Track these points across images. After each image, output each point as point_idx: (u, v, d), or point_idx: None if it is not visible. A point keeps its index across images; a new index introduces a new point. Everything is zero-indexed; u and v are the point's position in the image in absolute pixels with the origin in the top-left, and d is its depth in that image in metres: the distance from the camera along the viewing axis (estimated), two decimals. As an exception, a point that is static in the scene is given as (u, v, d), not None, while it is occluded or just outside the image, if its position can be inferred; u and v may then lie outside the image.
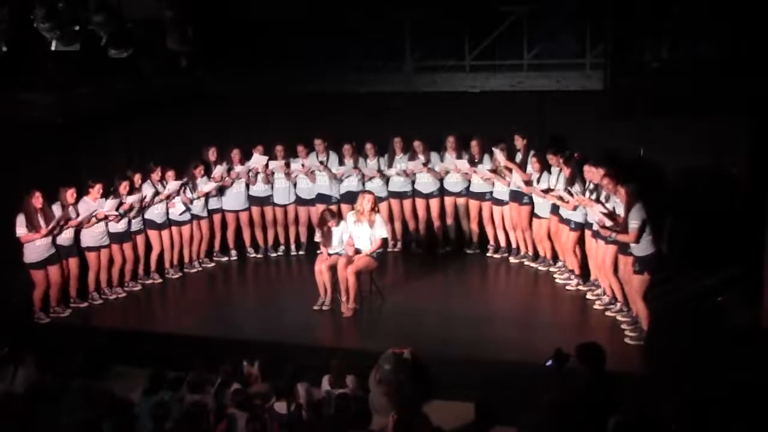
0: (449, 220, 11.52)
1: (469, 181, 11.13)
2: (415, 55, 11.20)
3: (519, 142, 10.66)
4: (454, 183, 11.22)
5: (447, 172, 11.17)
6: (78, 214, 9.68)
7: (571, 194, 9.43)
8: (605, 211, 8.66)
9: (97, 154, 11.34)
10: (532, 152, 10.46)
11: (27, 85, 9.69)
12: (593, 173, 9.10)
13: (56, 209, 9.46)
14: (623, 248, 8.51)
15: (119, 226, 10.10)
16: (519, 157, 10.61)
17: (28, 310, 9.51)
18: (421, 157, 11.09)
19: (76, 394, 6.90)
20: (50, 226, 9.29)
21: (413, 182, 11.37)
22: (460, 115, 11.36)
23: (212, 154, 11.22)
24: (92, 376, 7.92)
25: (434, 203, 11.38)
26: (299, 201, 11.57)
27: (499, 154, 10.51)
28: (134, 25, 7.97)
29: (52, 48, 7.42)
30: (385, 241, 9.80)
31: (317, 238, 9.78)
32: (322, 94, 11.62)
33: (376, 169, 11.25)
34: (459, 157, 10.99)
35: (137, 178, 10.31)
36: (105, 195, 9.89)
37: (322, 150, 11.34)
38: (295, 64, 11.59)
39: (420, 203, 11.43)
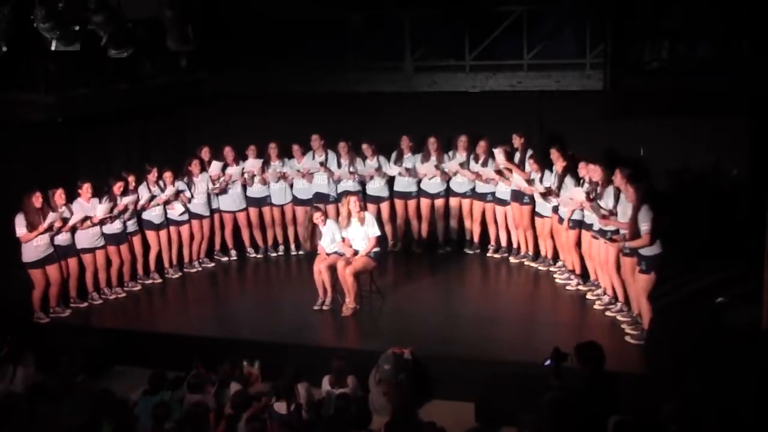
0: (453, 221, 11.53)
1: (474, 182, 11.13)
2: (415, 55, 11.21)
3: (517, 141, 10.67)
4: (460, 183, 11.21)
5: (455, 173, 11.16)
6: (72, 214, 9.64)
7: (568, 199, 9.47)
8: (605, 212, 8.67)
9: (97, 154, 11.34)
10: (529, 152, 10.47)
11: (27, 85, 9.69)
12: (594, 171, 9.09)
13: (50, 214, 9.43)
14: (624, 249, 8.51)
15: (114, 228, 10.07)
16: (517, 155, 10.62)
17: (28, 310, 9.51)
18: (434, 159, 11.07)
19: (77, 394, 6.92)
20: (47, 223, 9.27)
21: (418, 182, 11.37)
22: (460, 115, 11.37)
23: (205, 154, 11.19)
24: (92, 375, 7.93)
25: (439, 203, 11.39)
26: (296, 201, 11.56)
27: (499, 155, 10.51)
28: (134, 25, 7.97)
29: (52, 48, 7.41)
30: (380, 238, 9.75)
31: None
32: (322, 94, 11.63)
33: (375, 169, 11.25)
34: (469, 156, 11.00)
35: (132, 179, 10.28)
36: (98, 195, 9.86)
37: (318, 146, 11.28)
38: (295, 64, 11.60)
39: (425, 203, 11.42)
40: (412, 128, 11.33)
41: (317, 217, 9.53)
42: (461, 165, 10.98)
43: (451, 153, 11.17)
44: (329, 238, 9.53)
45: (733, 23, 8.83)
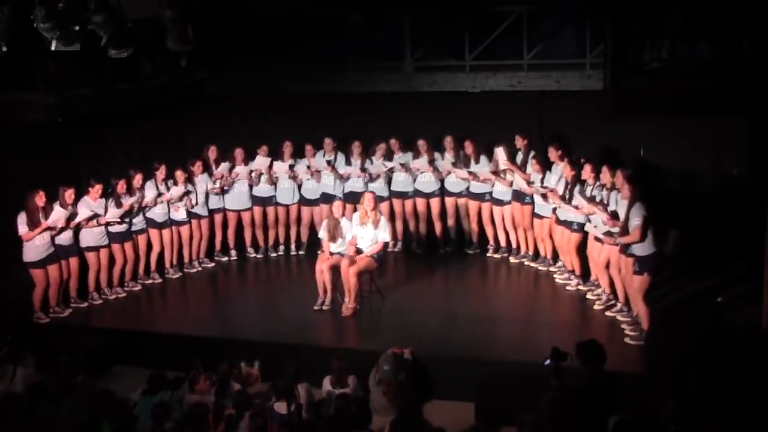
0: (450, 221, 11.53)
1: (469, 182, 11.13)
2: (415, 55, 11.20)
3: (520, 142, 10.66)
4: (454, 183, 11.22)
5: (448, 173, 11.18)
6: (77, 214, 9.66)
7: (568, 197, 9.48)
8: (606, 216, 8.69)
9: (97, 154, 11.33)
10: (532, 153, 10.47)
11: (27, 85, 9.69)
12: (604, 174, 9.08)
13: (56, 208, 9.44)
14: (624, 249, 8.51)
15: (120, 226, 10.10)
16: (520, 157, 10.61)
17: (28, 310, 9.50)
18: (426, 156, 11.10)
19: (77, 394, 6.91)
20: (50, 221, 9.28)
21: (414, 181, 11.38)
22: (460, 115, 11.36)
23: (212, 153, 11.22)
24: (92, 375, 7.93)
25: (435, 203, 11.40)
26: (303, 201, 11.58)
27: (501, 154, 10.50)
28: (134, 25, 7.97)
29: (52, 48, 7.40)
30: (386, 244, 9.83)
31: (321, 233, 9.76)
32: (322, 94, 11.63)
33: (382, 168, 11.27)
34: (457, 157, 11.01)
35: (138, 177, 10.30)
36: (104, 195, 9.90)
37: (330, 149, 11.34)
38: (295, 64, 11.59)
39: (421, 202, 11.44)
40: (412, 128, 11.34)
41: (337, 206, 9.56)
42: (453, 164, 11.00)
43: (440, 154, 11.18)
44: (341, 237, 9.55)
45: (733, 23, 8.83)
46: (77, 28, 7.40)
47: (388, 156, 11.29)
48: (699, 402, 6.35)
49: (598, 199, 9.04)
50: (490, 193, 10.99)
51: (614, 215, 8.59)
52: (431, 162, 11.10)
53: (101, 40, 7.58)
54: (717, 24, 8.91)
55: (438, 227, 11.54)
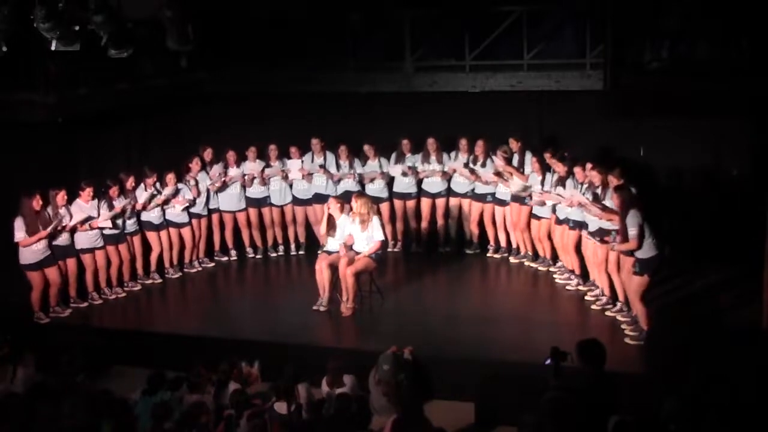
0: (453, 221, 11.52)
1: (474, 183, 11.12)
2: (415, 55, 11.20)
3: (514, 145, 10.66)
4: (460, 184, 11.22)
5: (454, 172, 11.17)
6: (71, 216, 9.67)
7: (561, 195, 9.50)
8: (599, 212, 8.69)
9: (97, 155, 11.33)
10: (529, 154, 10.46)
11: (27, 85, 9.69)
12: (594, 176, 9.08)
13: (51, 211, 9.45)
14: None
15: (113, 229, 10.09)
16: (516, 159, 10.61)
17: (28, 310, 9.50)
18: (434, 159, 11.08)
19: (77, 394, 6.91)
20: (49, 229, 9.28)
21: (419, 183, 11.38)
22: (460, 115, 11.36)
23: (207, 155, 11.22)
24: (92, 375, 7.93)
25: (440, 203, 11.40)
26: (296, 201, 11.57)
27: (497, 160, 10.53)
28: (134, 25, 7.97)
29: (52, 48, 7.41)
30: (383, 243, 9.80)
31: (322, 229, 9.73)
32: (322, 94, 11.62)
33: (377, 170, 11.25)
34: (469, 157, 11.00)
35: (131, 181, 10.30)
36: (97, 197, 9.90)
37: (318, 150, 11.32)
38: (295, 64, 11.59)
39: (426, 202, 11.43)
40: (412, 128, 11.33)
41: (333, 203, 9.53)
42: (464, 166, 11.00)
43: (452, 154, 11.19)
44: (340, 234, 9.55)
45: (733, 23, 8.83)
46: (77, 28, 7.41)
47: (399, 157, 11.26)
48: (699, 401, 6.34)
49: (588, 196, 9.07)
50: (493, 194, 10.99)
51: (604, 207, 8.64)
52: (440, 168, 11.09)
53: (101, 40, 7.58)
54: (717, 24, 8.92)
55: (440, 227, 11.53)
